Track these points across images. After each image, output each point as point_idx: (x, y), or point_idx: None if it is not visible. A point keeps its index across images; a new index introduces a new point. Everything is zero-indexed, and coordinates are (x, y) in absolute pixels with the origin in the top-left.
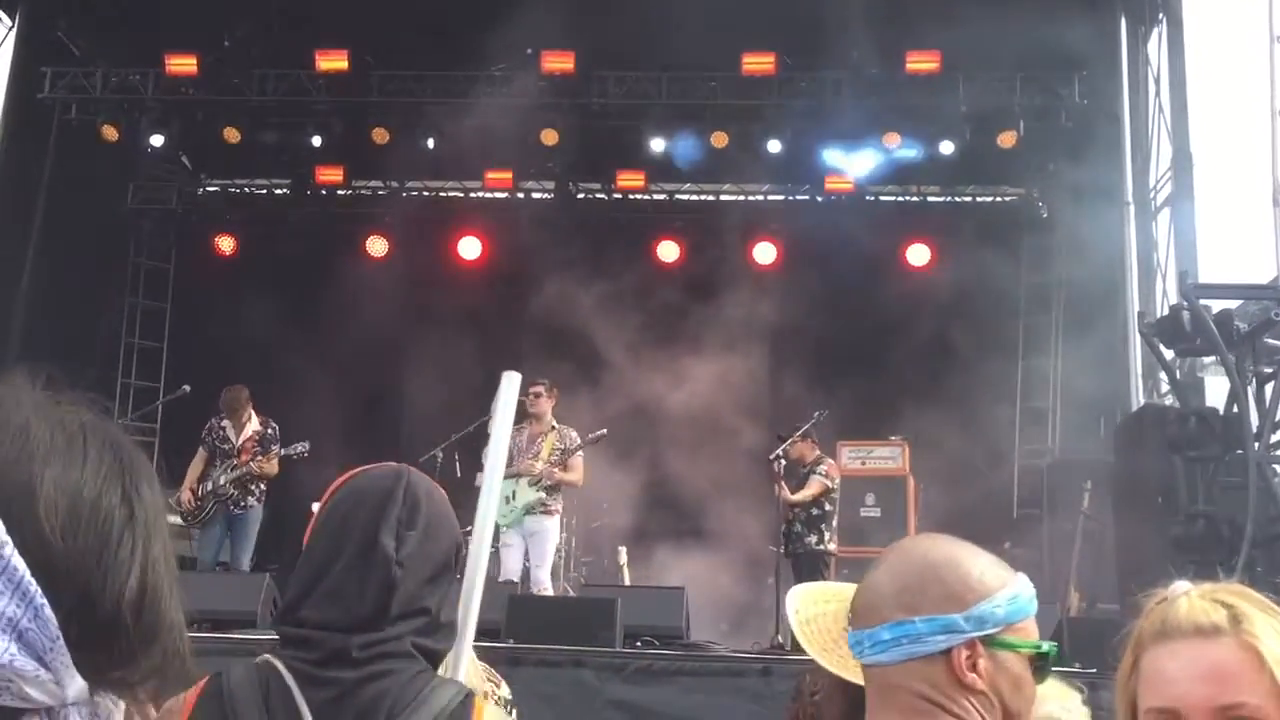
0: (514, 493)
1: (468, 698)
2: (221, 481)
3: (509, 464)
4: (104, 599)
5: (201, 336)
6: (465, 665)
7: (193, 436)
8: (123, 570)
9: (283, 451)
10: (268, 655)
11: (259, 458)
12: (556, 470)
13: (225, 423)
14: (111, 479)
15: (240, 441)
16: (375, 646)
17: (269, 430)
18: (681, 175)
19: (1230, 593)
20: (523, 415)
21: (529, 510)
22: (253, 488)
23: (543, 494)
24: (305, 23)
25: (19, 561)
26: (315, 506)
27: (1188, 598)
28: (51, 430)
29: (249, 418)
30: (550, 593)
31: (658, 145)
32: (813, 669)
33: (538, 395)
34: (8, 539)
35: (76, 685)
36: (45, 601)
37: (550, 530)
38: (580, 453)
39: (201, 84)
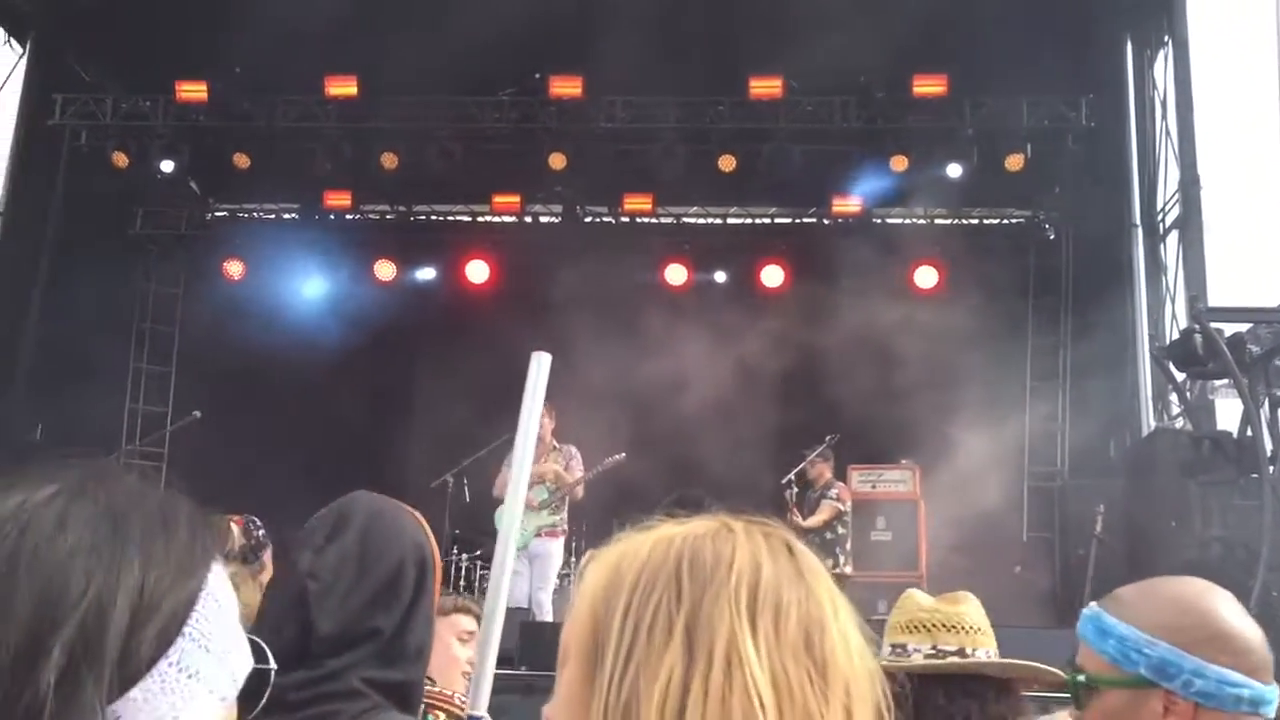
0: (525, 516)
1: None
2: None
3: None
4: None
5: (210, 361)
6: (487, 692)
7: (200, 462)
8: None
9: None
10: None
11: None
12: (565, 474)
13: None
14: None
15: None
16: (312, 687)
17: (252, 539)
18: (689, 198)
19: None
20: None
21: (537, 533)
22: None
23: (554, 517)
24: (314, 48)
25: None
26: None
27: None
28: None
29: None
30: (551, 616)
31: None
32: None
33: (547, 417)
34: None
35: None
36: None
37: (555, 553)
38: (583, 467)
39: (211, 110)
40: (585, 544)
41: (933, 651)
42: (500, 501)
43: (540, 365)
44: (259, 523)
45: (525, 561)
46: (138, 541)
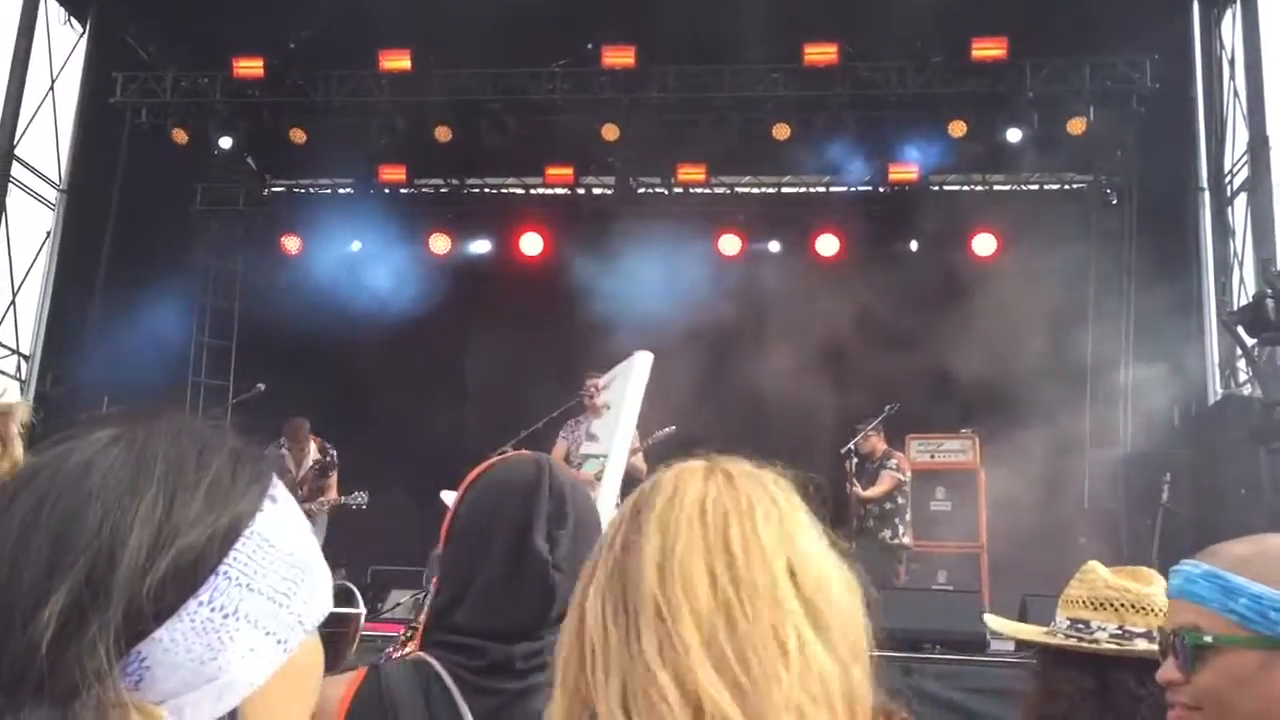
0: None
1: None
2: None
3: (568, 458)
4: None
5: (269, 335)
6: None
7: (260, 434)
8: None
9: (343, 500)
10: (423, 655)
11: (321, 497)
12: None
13: (284, 451)
14: None
15: (301, 473)
16: (537, 657)
17: (328, 457)
18: (743, 168)
19: None
20: (580, 409)
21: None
22: (314, 509)
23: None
24: (368, 23)
25: None
26: (446, 495)
27: None
28: None
29: (308, 448)
30: None
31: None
32: None
33: (598, 388)
34: None
35: None
36: None
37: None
38: (638, 441)
39: (267, 86)
40: None
41: (1119, 632)
42: None
43: (644, 363)
44: (333, 450)
45: None
46: (162, 477)
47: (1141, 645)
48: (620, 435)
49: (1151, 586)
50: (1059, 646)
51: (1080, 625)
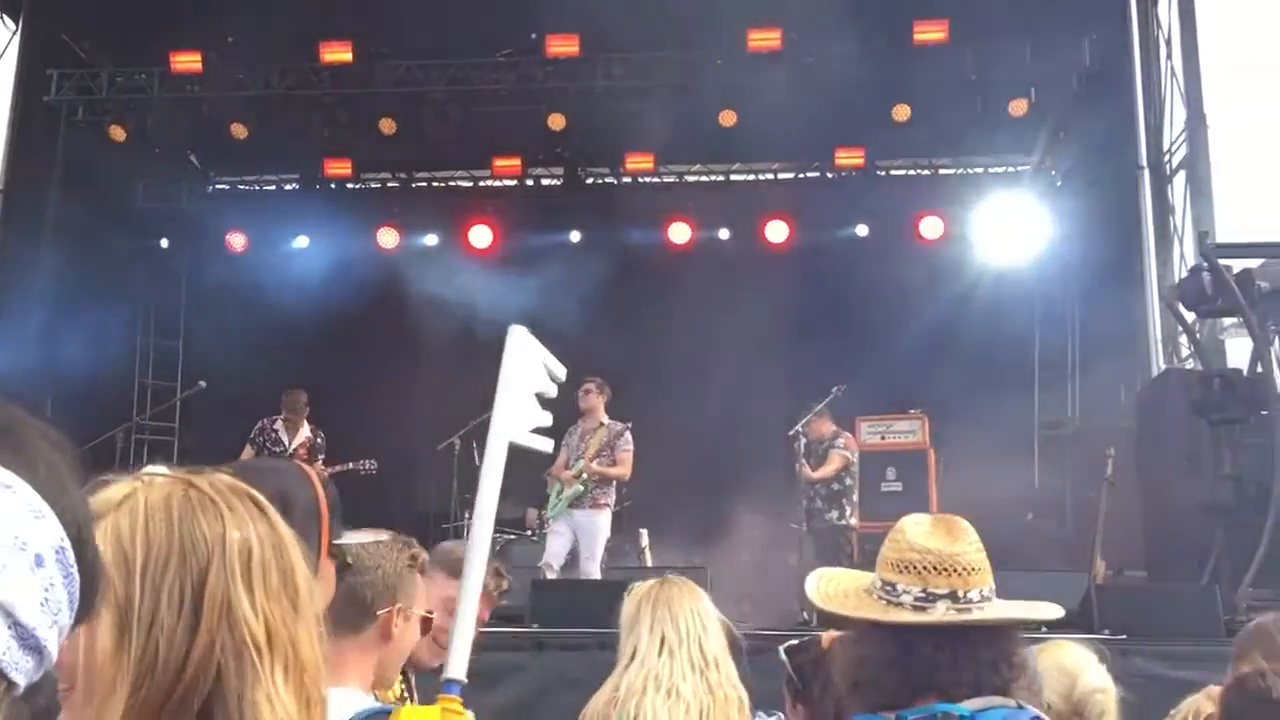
0: (561, 488)
1: None
2: None
3: (568, 465)
4: None
5: (216, 333)
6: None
7: (211, 433)
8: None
9: (351, 466)
10: None
11: (315, 465)
12: (596, 465)
13: (278, 425)
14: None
15: (293, 447)
16: None
17: (318, 440)
18: (690, 156)
19: None
20: (575, 414)
21: (572, 503)
22: None
23: (582, 488)
24: (308, 15)
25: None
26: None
27: None
28: None
29: (303, 423)
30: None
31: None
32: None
33: (587, 392)
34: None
35: None
36: None
37: (602, 525)
38: (630, 447)
39: (207, 81)
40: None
41: (923, 595)
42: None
43: (514, 339)
44: (323, 434)
45: (567, 525)
46: None
47: (941, 609)
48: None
49: (957, 544)
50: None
51: (889, 588)
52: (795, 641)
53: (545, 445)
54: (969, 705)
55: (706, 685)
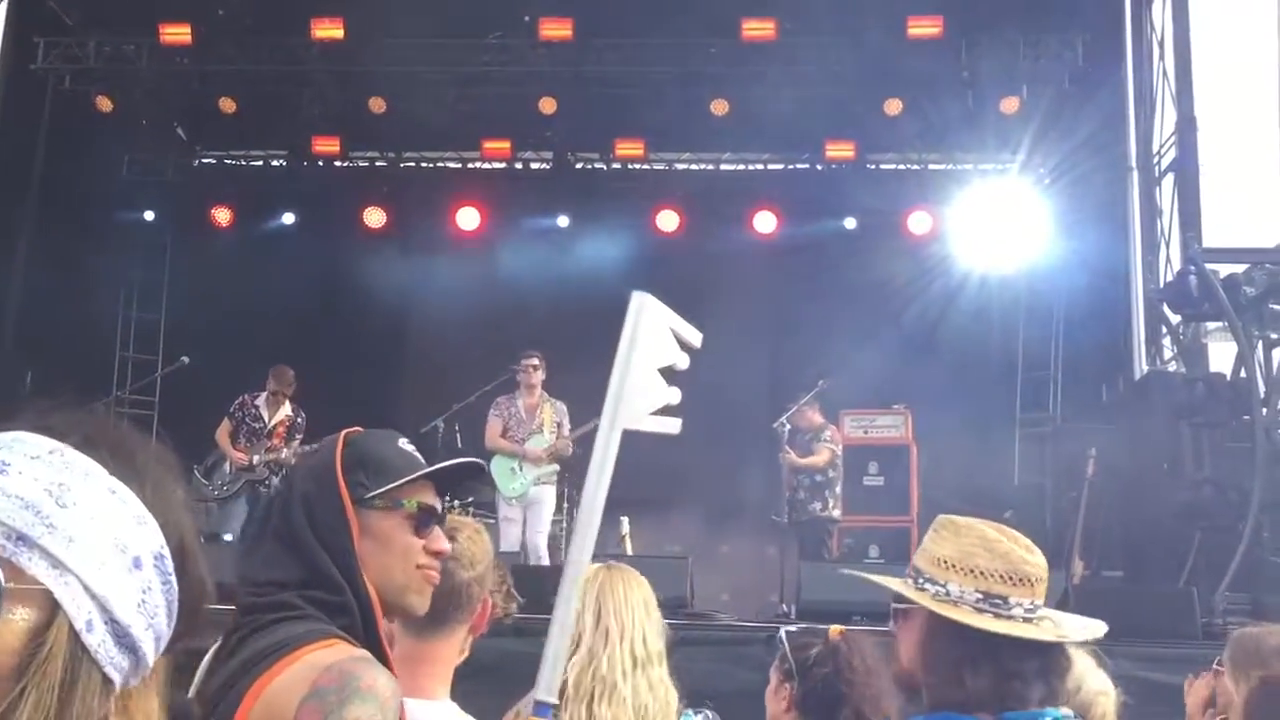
0: (520, 464)
1: None
2: (255, 460)
3: (505, 434)
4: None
5: (199, 309)
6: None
7: (191, 409)
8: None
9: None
10: None
11: (293, 444)
12: (569, 444)
13: (259, 401)
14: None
15: (273, 424)
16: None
17: (299, 419)
18: (681, 144)
19: None
20: (513, 386)
21: (537, 480)
22: (284, 458)
23: (554, 465)
24: None
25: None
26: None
27: None
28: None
29: (285, 401)
30: (546, 560)
31: (657, 114)
32: (824, 644)
33: (534, 367)
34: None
35: None
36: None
37: (549, 499)
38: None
39: (196, 53)
40: (577, 490)
41: (1031, 607)
42: (492, 452)
43: (637, 307)
44: (304, 413)
45: (520, 509)
46: None
47: (1048, 626)
48: (609, 397)
49: (1034, 554)
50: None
51: (998, 601)
52: (794, 628)
53: (673, 427)
54: (1057, 711)
55: (647, 682)
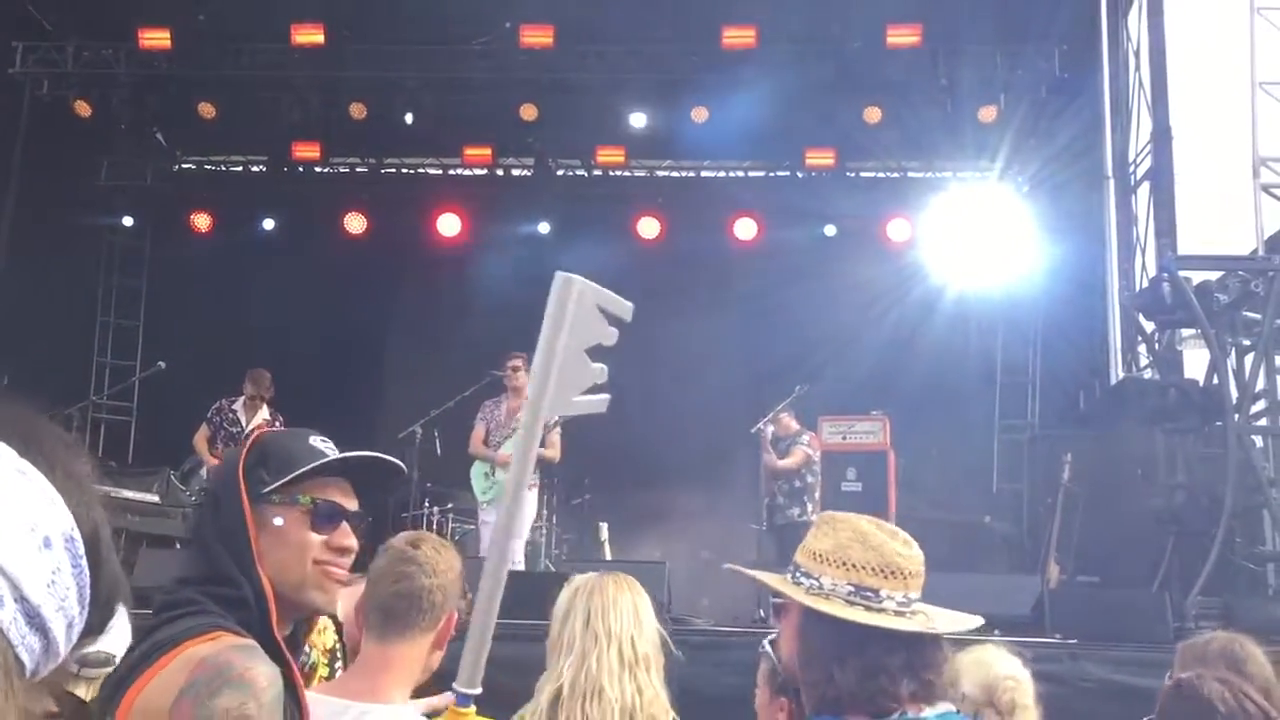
0: (493, 468)
1: None
2: None
3: (488, 439)
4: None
5: (178, 315)
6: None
7: (168, 414)
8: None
9: None
10: None
11: None
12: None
13: (236, 406)
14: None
15: (250, 428)
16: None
17: (276, 423)
18: (662, 151)
19: None
20: (500, 388)
21: None
22: None
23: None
24: None
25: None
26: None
27: None
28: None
29: (263, 405)
30: (523, 566)
31: (638, 120)
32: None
33: (516, 369)
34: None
35: None
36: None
37: (528, 506)
38: (558, 428)
39: (175, 58)
40: (556, 497)
41: (904, 600)
42: (473, 457)
43: (559, 287)
44: (282, 417)
45: (495, 512)
46: None
47: (920, 618)
48: (534, 385)
49: (912, 549)
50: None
51: (868, 594)
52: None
53: (599, 405)
54: (931, 712)
55: (635, 684)
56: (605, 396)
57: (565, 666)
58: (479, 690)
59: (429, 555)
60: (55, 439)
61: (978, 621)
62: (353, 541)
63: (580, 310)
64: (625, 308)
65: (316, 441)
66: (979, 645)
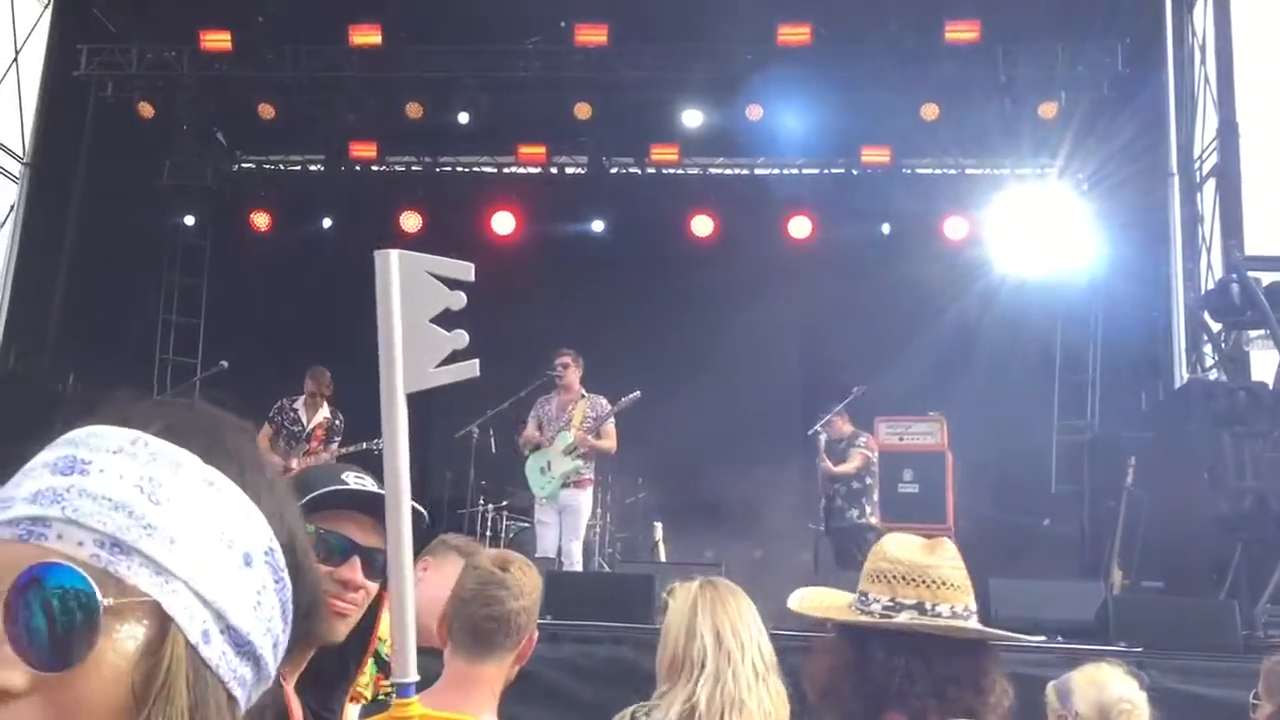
0: (549, 463)
1: None
2: (293, 465)
3: (540, 431)
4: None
5: (238, 313)
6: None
7: (230, 413)
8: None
9: (365, 446)
10: None
11: (331, 447)
12: (590, 437)
13: (297, 405)
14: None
15: (311, 426)
16: None
17: (337, 421)
18: (716, 149)
19: None
20: (551, 386)
21: (565, 482)
22: (328, 458)
23: (579, 462)
24: None
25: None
26: None
27: None
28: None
29: (324, 404)
30: (579, 567)
31: (692, 119)
32: None
33: (565, 365)
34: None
35: None
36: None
37: (584, 503)
38: (612, 420)
39: (236, 60)
40: (611, 496)
41: (890, 604)
42: (525, 452)
43: (381, 267)
44: (342, 416)
45: (554, 512)
46: None
47: (904, 617)
48: (381, 367)
49: (931, 557)
50: (836, 621)
51: (862, 597)
52: None
53: (470, 370)
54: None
55: (769, 691)
56: (474, 361)
57: (698, 684)
58: (418, 677)
59: (517, 578)
60: (241, 437)
61: (993, 633)
62: (357, 577)
63: (409, 282)
64: (462, 268)
65: (349, 476)
66: (1093, 664)
